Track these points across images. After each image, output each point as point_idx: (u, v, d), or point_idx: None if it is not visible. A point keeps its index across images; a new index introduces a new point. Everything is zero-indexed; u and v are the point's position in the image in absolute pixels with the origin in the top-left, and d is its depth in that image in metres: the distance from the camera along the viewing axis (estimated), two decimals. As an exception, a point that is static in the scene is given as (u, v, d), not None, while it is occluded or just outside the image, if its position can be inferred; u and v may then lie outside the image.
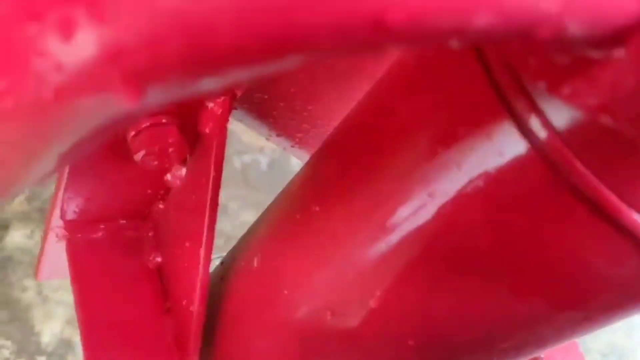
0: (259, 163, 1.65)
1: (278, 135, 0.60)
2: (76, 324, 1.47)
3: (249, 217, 1.60)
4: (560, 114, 0.23)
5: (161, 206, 0.53)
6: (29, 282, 1.33)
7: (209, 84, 0.16)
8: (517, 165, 0.26)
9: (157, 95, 0.16)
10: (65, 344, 1.30)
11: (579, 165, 0.24)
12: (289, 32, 0.13)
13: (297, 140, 0.61)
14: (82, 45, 0.15)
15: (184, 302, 0.49)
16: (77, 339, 1.30)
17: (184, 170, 0.48)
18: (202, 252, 0.46)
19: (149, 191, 0.52)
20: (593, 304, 0.28)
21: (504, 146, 0.26)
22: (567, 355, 0.66)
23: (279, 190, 0.45)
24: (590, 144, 0.23)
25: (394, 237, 0.32)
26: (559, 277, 0.27)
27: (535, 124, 0.24)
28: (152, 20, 0.14)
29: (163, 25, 0.14)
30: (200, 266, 0.45)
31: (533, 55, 0.21)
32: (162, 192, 0.52)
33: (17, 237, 1.37)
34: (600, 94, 0.19)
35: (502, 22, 0.14)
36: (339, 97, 0.51)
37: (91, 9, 0.14)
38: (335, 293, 0.37)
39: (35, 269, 0.57)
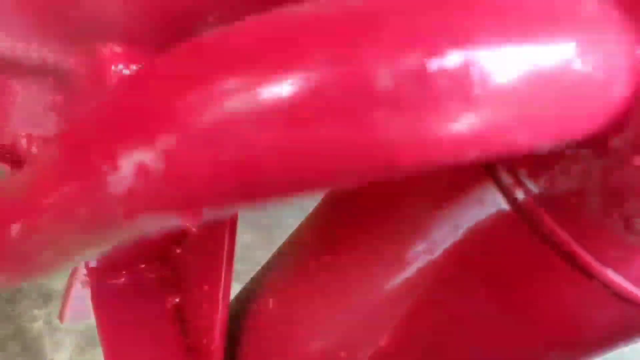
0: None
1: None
2: (85, 351, 1.49)
3: (248, 238, 1.62)
4: (540, 190, 0.27)
5: (178, 250, 0.56)
6: (38, 312, 1.36)
7: (248, 206, 0.20)
8: (503, 227, 0.29)
9: (211, 216, 0.19)
10: (76, 372, 1.33)
11: (556, 228, 0.28)
12: (317, 178, 0.17)
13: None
14: (156, 183, 0.19)
15: (205, 341, 0.52)
16: (87, 364, 1.32)
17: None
18: (220, 294, 0.49)
19: (168, 236, 0.55)
20: (576, 345, 0.32)
21: (491, 209, 0.30)
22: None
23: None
24: (567, 214, 0.27)
25: (398, 284, 0.36)
26: (546, 320, 0.31)
27: (519, 194, 0.28)
28: (215, 164, 0.18)
29: (222, 163, 0.18)
30: (220, 307, 0.49)
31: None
32: (179, 237, 0.55)
33: (26, 268, 1.40)
34: (572, 182, 0.23)
35: (488, 152, 0.18)
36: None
37: (164, 154, 0.18)
38: (347, 334, 0.41)
39: (60, 313, 0.60)
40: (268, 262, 0.53)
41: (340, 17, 0.17)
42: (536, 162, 0.25)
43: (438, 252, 0.33)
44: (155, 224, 0.21)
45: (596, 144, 0.22)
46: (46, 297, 1.39)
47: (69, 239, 0.25)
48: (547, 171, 0.24)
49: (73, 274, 0.55)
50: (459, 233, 0.32)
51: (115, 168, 0.19)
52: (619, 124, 0.21)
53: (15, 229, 0.27)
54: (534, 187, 0.27)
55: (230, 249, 0.49)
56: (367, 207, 0.39)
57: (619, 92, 0.20)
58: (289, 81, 0.17)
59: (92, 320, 1.37)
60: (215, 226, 0.50)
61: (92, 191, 0.21)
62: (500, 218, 0.29)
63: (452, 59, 0.17)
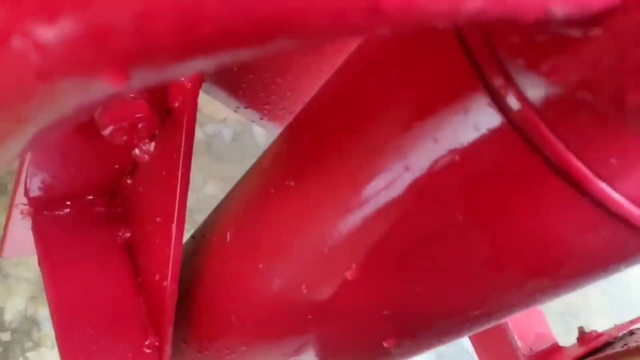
0: (222, 134, 1.63)
1: (246, 107, 0.59)
2: (39, 300, 1.44)
3: (214, 189, 1.58)
4: (536, 89, 0.23)
5: (129, 181, 0.52)
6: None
7: (195, 66, 0.16)
8: (492, 138, 0.26)
9: (142, 78, 0.15)
10: (29, 320, 1.28)
11: (552, 138, 0.24)
12: (282, 16, 0.13)
13: (265, 112, 0.60)
14: (65, 26, 0.14)
15: (157, 278, 0.48)
16: (41, 315, 1.28)
17: (152, 145, 0.47)
18: (174, 227, 0.45)
19: (117, 166, 0.51)
20: (563, 270, 0.30)
21: (479, 120, 0.26)
22: (528, 314, 0.69)
23: (244, 161, 0.45)
24: (563, 117, 0.24)
25: (369, 210, 0.33)
26: (532, 246, 0.28)
27: (510, 98, 0.24)
28: (140, 2, 0.13)
29: (152, 8, 0.14)
30: (173, 242, 0.45)
31: (514, 34, 0.22)
32: (130, 167, 0.51)
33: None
34: (578, 70, 0.20)
35: (492, 7, 0.15)
36: (307, 70, 0.50)
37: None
38: (310, 266, 0.38)
39: (-1, 247, 0.56)
40: (226, 196, 0.49)
41: None
42: (536, 52, 0.21)
43: (415, 172, 0.30)
44: (76, 89, 0.16)
45: (610, 21, 0.18)
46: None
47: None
48: (548, 62, 0.21)
49: (12, 204, 0.50)
50: (439, 149, 0.28)
51: (26, 16, 0.15)
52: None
53: None
54: (531, 89, 0.24)
55: (185, 179, 0.45)
56: (336, 125, 0.35)
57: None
58: None
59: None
60: (169, 154, 0.46)
61: (4, 47, 0.16)
62: (489, 130, 0.26)
63: None
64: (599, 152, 0.24)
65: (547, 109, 0.24)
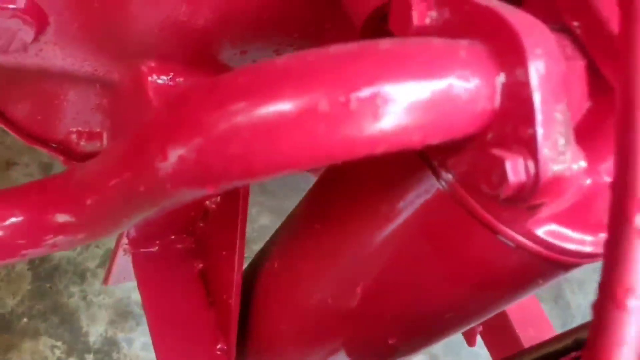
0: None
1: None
2: (118, 324, 1.62)
3: (267, 221, 1.75)
4: (454, 174, 0.39)
5: (201, 224, 0.69)
6: (75, 289, 1.50)
7: (247, 182, 0.32)
8: (435, 202, 0.41)
9: (227, 188, 0.32)
10: (110, 342, 1.46)
11: (470, 200, 0.39)
12: (283, 164, 0.29)
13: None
14: (191, 168, 0.31)
15: (224, 297, 0.65)
16: (120, 336, 1.46)
17: (219, 198, 0.64)
18: (236, 258, 0.62)
19: (193, 213, 0.68)
20: (494, 287, 0.44)
21: (429, 192, 0.41)
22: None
23: (292, 196, 0.60)
24: (474, 189, 0.38)
25: (367, 253, 0.48)
26: (468, 272, 0.43)
27: (445, 175, 0.39)
28: (228, 161, 0.30)
29: (234, 164, 0.30)
30: (235, 268, 0.61)
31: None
32: (202, 213, 0.68)
33: (62, 249, 1.54)
34: (463, 168, 0.35)
35: (391, 149, 0.30)
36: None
37: (198, 151, 0.30)
38: (333, 284, 0.53)
39: (105, 277, 0.74)
40: (275, 232, 0.65)
41: (302, 68, 0.30)
42: (448, 155, 0.37)
43: (395, 222, 0.45)
44: (190, 194, 0.33)
45: (477, 142, 0.34)
46: (82, 275, 1.52)
47: (132, 206, 0.37)
48: (455, 161, 0.36)
49: (118, 243, 0.68)
50: (408, 209, 0.43)
51: (165, 158, 0.32)
52: (488, 126, 0.33)
53: (89, 201, 0.40)
54: (452, 173, 0.39)
55: (243, 222, 0.61)
56: (344, 188, 0.51)
57: (482, 107, 0.32)
58: (270, 107, 0.29)
59: (123, 295, 1.53)
60: (231, 204, 0.63)
61: (149, 173, 0.33)
62: (437, 197, 0.41)
63: (364, 92, 0.29)
64: (497, 208, 0.39)
65: (464, 185, 0.39)
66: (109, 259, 0.77)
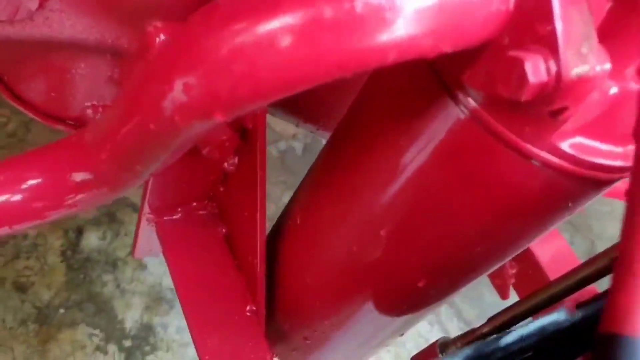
0: (294, 149, 1.81)
1: (305, 121, 0.75)
2: (152, 310, 1.64)
3: (288, 197, 1.75)
4: (478, 96, 0.37)
5: (222, 189, 0.69)
6: (108, 277, 1.52)
7: (258, 104, 0.31)
8: (456, 129, 0.40)
9: (237, 113, 0.31)
10: (146, 328, 1.48)
11: (492, 121, 0.38)
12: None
13: (320, 124, 0.76)
14: (198, 94, 0.30)
15: (249, 258, 0.64)
16: (155, 321, 1.48)
17: (236, 159, 0.64)
18: (258, 216, 0.61)
19: (212, 178, 0.67)
20: (523, 214, 0.43)
21: (449, 120, 0.40)
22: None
23: None
24: (496, 108, 0.37)
25: (387, 191, 0.47)
26: (495, 198, 0.42)
27: (467, 101, 0.38)
28: (235, 82, 0.29)
29: (241, 85, 0.29)
30: (258, 226, 0.61)
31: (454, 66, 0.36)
32: (221, 177, 0.68)
33: (92, 239, 1.56)
34: (485, 82, 0.34)
35: (403, 57, 0.29)
36: (348, 88, 0.65)
37: (203, 77, 0.30)
38: (357, 230, 0.52)
39: (132, 250, 0.74)
40: (296, 189, 0.64)
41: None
42: (464, 69, 0.35)
43: (416, 155, 0.44)
44: (200, 126, 0.32)
45: (494, 48, 0.32)
46: (113, 264, 1.55)
47: (146, 150, 0.37)
48: (472, 74, 0.35)
49: (140, 213, 0.68)
50: (429, 138, 0.42)
51: (171, 89, 0.31)
52: (504, 29, 0.31)
53: (104, 155, 0.40)
54: (477, 96, 0.37)
55: (262, 180, 0.60)
56: (360, 130, 0.50)
57: (497, 8, 0.30)
58: (273, 22, 0.28)
59: (154, 281, 1.55)
60: (249, 164, 0.62)
61: (157, 109, 0.32)
62: (458, 123, 0.40)
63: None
64: (519, 124, 0.37)
65: (488, 106, 0.37)
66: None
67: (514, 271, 0.93)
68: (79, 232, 1.57)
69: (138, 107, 0.34)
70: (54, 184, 0.40)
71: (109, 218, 1.59)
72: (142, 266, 1.52)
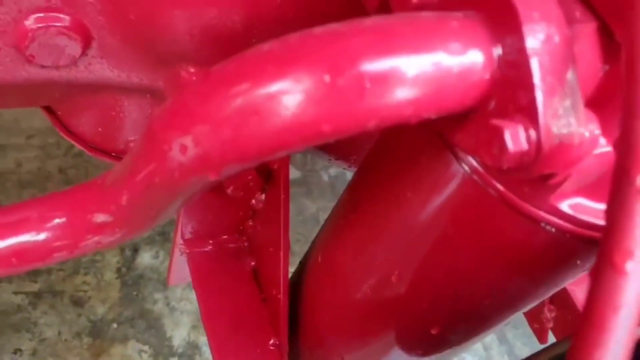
0: (345, 174, 1.82)
1: (336, 159, 0.76)
2: (199, 329, 1.68)
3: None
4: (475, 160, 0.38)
5: (251, 223, 0.71)
6: (159, 295, 1.57)
7: (250, 164, 0.33)
8: (459, 185, 0.40)
9: (229, 172, 0.33)
10: (192, 346, 1.52)
11: (492, 181, 0.38)
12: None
13: (352, 162, 0.77)
14: (192, 156, 0.32)
15: (274, 292, 0.66)
16: (201, 341, 1.52)
17: (263, 196, 0.66)
18: (281, 253, 0.63)
19: (241, 213, 0.70)
20: (530, 272, 0.42)
21: (452, 176, 0.41)
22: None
23: None
24: (495, 172, 0.37)
25: (398, 240, 0.48)
26: (499, 254, 0.42)
27: (470, 162, 0.39)
28: (223, 146, 0.31)
29: (228, 149, 0.31)
30: (281, 262, 0.63)
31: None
32: (250, 213, 0.70)
33: (146, 257, 1.62)
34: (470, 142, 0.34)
35: (385, 122, 0.30)
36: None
37: (196, 140, 0.32)
38: (370, 274, 0.53)
39: (167, 278, 0.77)
40: (320, 229, 0.66)
41: (288, 47, 0.30)
42: (456, 132, 0.36)
43: (422, 208, 0.45)
44: (197, 182, 0.34)
45: (479, 114, 0.33)
46: (164, 283, 1.60)
47: (156, 199, 0.39)
48: (462, 137, 0.36)
49: (174, 244, 0.71)
50: (433, 193, 0.43)
51: (170, 149, 0.33)
52: (488, 97, 0.32)
53: (124, 199, 0.43)
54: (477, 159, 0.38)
55: (285, 217, 0.62)
56: (374, 178, 0.51)
57: (479, 78, 0.31)
58: (255, 91, 0.30)
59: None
60: (275, 202, 0.64)
61: (161, 165, 0.35)
62: (460, 180, 0.40)
63: (347, 70, 0.29)
64: (518, 185, 0.37)
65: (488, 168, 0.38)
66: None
67: (552, 315, 0.90)
68: (135, 250, 1.64)
69: (146, 160, 0.37)
70: (78, 223, 0.44)
71: (163, 237, 1.65)
72: (191, 286, 1.57)
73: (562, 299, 0.86)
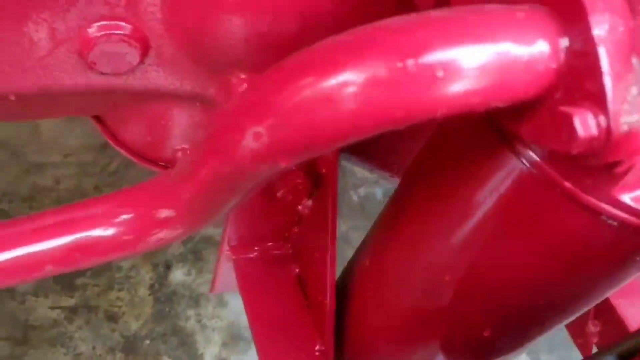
0: (374, 194, 1.83)
1: (378, 168, 0.77)
2: (230, 346, 1.68)
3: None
4: (538, 150, 0.38)
5: (296, 230, 0.72)
6: (191, 312, 1.58)
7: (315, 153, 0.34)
8: (518, 180, 0.41)
9: (300, 159, 0.34)
10: (223, 364, 1.53)
11: (553, 173, 0.39)
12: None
13: (394, 171, 0.78)
14: (266, 143, 0.34)
15: (320, 298, 0.67)
16: (232, 358, 1.52)
17: (310, 202, 0.67)
18: (328, 258, 0.64)
19: (287, 219, 0.71)
20: (587, 268, 0.42)
21: (511, 172, 0.41)
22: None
23: None
24: (556, 161, 0.38)
25: (454, 239, 0.48)
26: (558, 250, 0.42)
27: (529, 154, 0.39)
28: (297, 133, 0.32)
29: (302, 136, 0.32)
30: (328, 267, 0.63)
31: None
32: (296, 219, 0.71)
33: (179, 274, 1.64)
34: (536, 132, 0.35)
35: (456, 111, 0.31)
36: (418, 136, 0.67)
37: (270, 127, 0.33)
38: (423, 275, 0.53)
39: (211, 285, 0.78)
40: (366, 234, 0.66)
41: (361, 37, 0.32)
42: (520, 123, 0.37)
43: (479, 205, 0.45)
44: (267, 170, 0.36)
45: (546, 103, 0.34)
46: (196, 300, 1.61)
47: (221, 192, 0.41)
48: (527, 127, 0.36)
49: (220, 251, 0.72)
50: (492, 190, 0.43)
51: (243, 137, 0.35)
52: (554, 86, 0.33)
53: (186, 195, 0.44)
54: (536, 148, 0.39)
55: (333, 223, 0.63)
56: (426, 178, 0.51)
57: (545, 67, 0.32)
58: (330, 79, 0.31)
59: (234, 318, 1.60)
60: (322, 207, 0.65)
61: (230, 155, 0.36)
62: (519, 175, 0.41)
63: (420, 58, 0.30)
64: (580, 177, 0.38)
65: (548, 158, 0.38)
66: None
67: (597, 329, 0.89)
68: (167, 267, 1.66)
69: (215, 152, 0.39)
70: (143, 219, 0.45)
71: (195, 255, 1.67)
72: (222, 303, 1.58)
73: (607, 313, 0.85)
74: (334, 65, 0.31)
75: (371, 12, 0.54)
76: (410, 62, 0.30)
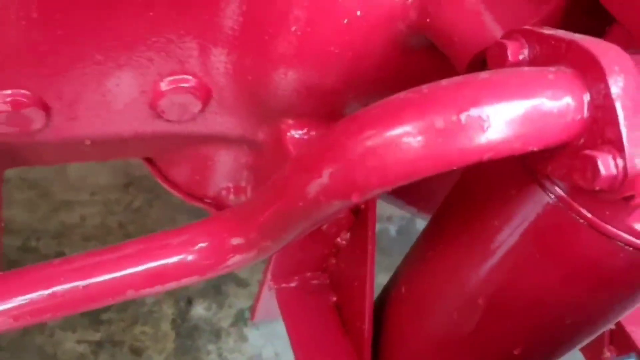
0: (388, 231, 1.89)
1: (407, 205, 0.84)
2: (248, 381, 1.70)
3: (384, 279, 1.80)
4: (562, 185, 0.45)
5: (333, 261, 0.78)
6: (212, 347, 1.62)
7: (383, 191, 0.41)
8: (545, 212, 0.48)
9: (370, 196, 0.41)
10: (245, 397, 1.56)
11: (576, 206, 0.46)
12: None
13: (421, 207, 0.85)
14: (341, 181, 0.41)
15: (357, 324, 0.72)
16: (251, 394, 1.55)
17: (348, 235, 0.74)
18: (367, 286, 0.70)
19: (326, 251, 0.77)
20: (609, 290, 0.49)
21: (538, 205, 0.48)
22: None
23: None
24: (579, 195, 0.45)
25: (485, 265, 0.55)
26: (582, 274, 0.48)
27: (555, 189, 0.46)
28: (369, 173, 0.39)
29: (373, 176, 0.39)
30: (367, 295, 0.69)
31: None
32: (334, 251, 0.77)
33: (200, 309, 1.68)
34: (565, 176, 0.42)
35: (497, 155, 0.38)
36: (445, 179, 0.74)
37: (345, 167, 0.40)
38: (457, 298, 0.59)
39: (252, 313, 0.84)
40: (401, 261, 0.73)
41: (419, 98, 0.39)
42: (549, 163, 0.44)
43: (509, 235, 0.52)
44: (338, 205, 0.42)
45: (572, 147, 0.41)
46: (217, 334, 1.66)
47: (291, 223, 0.47)
48: (556, 166, 0.43)
49: (263, 281, 0.78)
50: (520, 222, 0.50)
51: (319, 176, 0.42)
52: (579, 133, 0.40)
53: (255, 225, 0.51)
54: (561, 184, 0.45)
55: (372, 253, 0.70)
56: (459, 211, 0.58)
57: (572, 118, 0.39)
58: (398, 129, 0.38)
59: (254, 352, 1.64)
60: (360, 239, 0.71)
61: (307, 191, 0.43)
62: (546, 208, 0.48)
63: (470, 112, 0.37)
64: (600, 208, 0.44)
65: (571, 193, 0.45)
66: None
67: (613, 356, 0.94)
68: (189, 302, 1.71)
69: (287, 189, 0.46)
70: (218, 246, 0.52)
71: (215, 290, 1.72)
72: (243, 338, 1.62)
73: (623, 340, 0.90)
74: (401, 117, 0.38)
75: (412, 72, 0.62)
76: (463, 115, 0.37)
